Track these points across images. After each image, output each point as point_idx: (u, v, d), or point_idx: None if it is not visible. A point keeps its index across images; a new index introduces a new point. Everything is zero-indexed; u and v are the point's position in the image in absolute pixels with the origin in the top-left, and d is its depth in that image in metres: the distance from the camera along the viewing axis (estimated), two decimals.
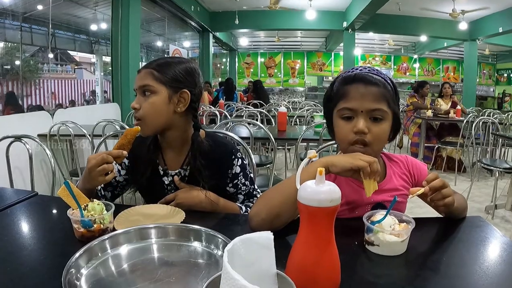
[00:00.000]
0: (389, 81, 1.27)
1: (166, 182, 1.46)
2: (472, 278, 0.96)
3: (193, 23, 10.37)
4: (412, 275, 1.01)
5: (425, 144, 5.99)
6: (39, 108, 6.39)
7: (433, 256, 1.09)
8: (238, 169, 1.49)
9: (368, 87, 1.20)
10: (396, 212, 1.14)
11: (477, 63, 12.55)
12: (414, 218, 1.18)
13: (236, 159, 1.49)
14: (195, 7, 9.40)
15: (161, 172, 1.46)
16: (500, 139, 5.22)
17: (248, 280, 0.52)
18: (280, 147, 5.15)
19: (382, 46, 15.19)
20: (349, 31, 10.89)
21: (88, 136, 3.45)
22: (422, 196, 1.19)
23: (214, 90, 9.49)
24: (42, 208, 1.40)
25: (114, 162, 1.26)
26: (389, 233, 1.06)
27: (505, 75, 16.53)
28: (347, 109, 1.22)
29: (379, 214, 1.11)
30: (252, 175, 1.57)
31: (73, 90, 9.63)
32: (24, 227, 1.21)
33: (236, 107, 6.43)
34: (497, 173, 4.50)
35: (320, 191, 0.70)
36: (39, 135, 3.53)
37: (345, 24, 10.73)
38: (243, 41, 14.75)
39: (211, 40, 11.72)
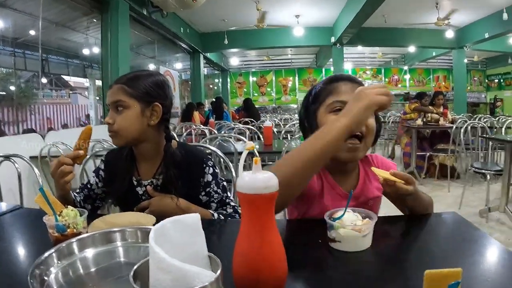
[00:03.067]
0: None
1: (140, 192, 1.48)
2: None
3: (183, 45, 10.47)
4: (378, 270, 1.01)
5: (417, 153, 5.98)
6: (31, 131, 6.42)
7: (400, 250, 1.09)
8: (209, 177, 1.50)
9: (355, 84, 1.22)
10: (360, 209, 1.13)
11: (466, 70, 12.66)
12: (381, 217, 1.20)
13: (208, 168, 1.50)
14: (184, 29, 9.50)
15: (135, 183, 1.48)
16: (491, 143, 5.22)
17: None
18: (270, 162, 5.15)
19: (372, 59, 15.37)
20: (338, 46, 11.02)
21: None
22: (388, 194, 1.19)
23: (205, 109, 9.54)
24: (24, 217, 1.43)
25: (84, 169, 1.30)
26: (350, 228, 1.05)
27: (496, 80, 16.66)
28: (338, 102, 1.22)
29: (341, 211, 1.11)
30: (224, 183, 1.57)
31: (68, 115, 9.71)
32: (5, 234, 1.25)
33: (227, 125, 6.45)
34: (488, 176, 4.50)
35: (256, 179, 0.71)
36: (31, 157, 3.55)
37: (333, 39, 10.86)
38: (234, 61, 14.89)
39: (202, 61, 11.81)
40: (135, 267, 0.60)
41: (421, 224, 1.25)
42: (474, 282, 0.84)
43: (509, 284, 0.83)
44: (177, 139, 1.50)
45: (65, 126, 8.99)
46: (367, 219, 1.10)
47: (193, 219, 0.64)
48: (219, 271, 0.61)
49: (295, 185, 1.05)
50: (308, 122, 1.33)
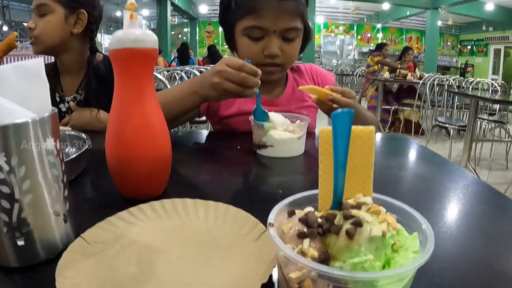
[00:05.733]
0: None
1: (63, 110, 1.41)
2: (381, 180, 0.79)
3: None
4: (314, 176, 0.84)
5: (383, 107, 5.88)
6: None
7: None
8: None
9: (283, 2, 1.03)
10: (287, 113, 0.98)
11: (440, 34, 12.61)
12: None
13: None
14: None
15: (58, 99, 1.41)
16: (457, 100, 5.17)
17: None
18: None
19: (345, 14, 15.05)
20: None
21: None
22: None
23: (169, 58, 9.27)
24: None
25: None
26: (283, 129, 0.87)
27: (468, 46, 16.77)
28: (256, 28, 1.05)
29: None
30: None
31: None
32: None
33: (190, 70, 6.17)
34: (451, 131, 4.46)
35: (125, 32, 0.58)
36: None
37: None
38: (203, 9, 14.21)
39: (169, 8, 11.30)
40: None
41: None
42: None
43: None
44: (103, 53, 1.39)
45: None
46: (298, 120, 0.93)
47: (36, 64, 0.48)
48: (47, 114, 0.45)
49: (171, 114, 0.95)
50: (225, 30, 1.18)
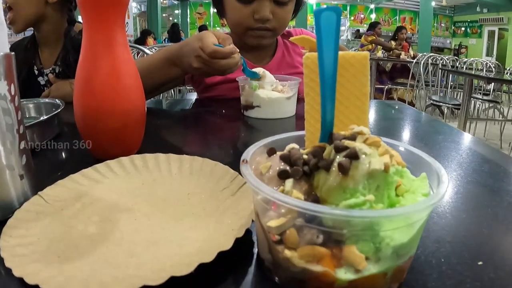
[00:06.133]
0: None
1: (42, 83, 1.37)
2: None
3: None
4: None
5: (376, 86, 5.80)
6: None
7: None
8: None
9: None
10: (278, 75, 0.91)
11: (433, 15, 12.47)
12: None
13: None
14: None
15: (36, 72, 1.37)
16: (450, 78, 5.10)
17: None
18: None
19: None
20: None
21: None
22: None
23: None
24: None
25: None
26: (271, 88, 0.80)
27: (462, 28, 16.64)
28: None
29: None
30: None
31: None
32: None
33: None
34: (445, 110, 4.40)
35: None
36: None
37: None
38: None
39: None
40: None
41: None
42: None
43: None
44: None
45: None
46: (288, 81, 0.86)
47: None
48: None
49: (148, 83, 0.86)
50: None
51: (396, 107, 1.08)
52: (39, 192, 0.43)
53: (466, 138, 0.74)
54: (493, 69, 5.19)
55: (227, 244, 0.32)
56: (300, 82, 1.13)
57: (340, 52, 0.32)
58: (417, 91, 5.55)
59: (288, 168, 0.29)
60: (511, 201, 0.48)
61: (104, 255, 0.34)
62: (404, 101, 5.65)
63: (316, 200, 0.28)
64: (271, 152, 0.32)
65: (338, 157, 0.27)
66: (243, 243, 0.33)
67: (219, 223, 0.38)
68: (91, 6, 0.51)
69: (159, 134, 0.74)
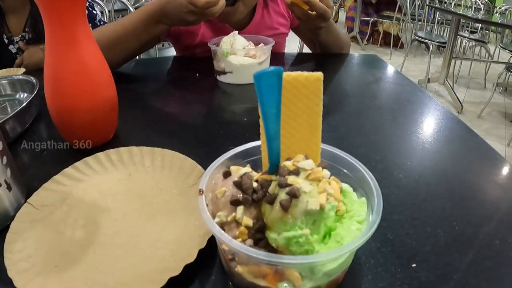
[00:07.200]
0: None
1: (14, 51, 1.35)
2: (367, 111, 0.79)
3: None
4: None
5: (361, 18, 5.68)
6: None
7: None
8: None
9: None
10: (252, 35, 0.90)
11: None
12: (289, 53, 1.01)
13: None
14: None
15: (6, 41, 1.35)
16: (438, 15, 5.02)
17: None
18: None
19: None
20: None
21: None
22: (297, 28, 0.93)
23: None
24: None
25: None
26: (243, 54, 0.80)
27: None
28: None
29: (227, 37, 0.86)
30: None
31: None
32: None
33: None
34: (431, 46, 4.36)
35: None
36: None
37: None
38: None
39: None
40: None
41: (338, 62, 1.03)
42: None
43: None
44: None
45: None
46: (261, 44, 0.86)
47: None
48: None
49: (133, 43, 0.91)
50: None
51: (375, 63, 1.08)
52: (28, 200, 0.46)
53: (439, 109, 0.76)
54: (482, 7, 5.09)
55: (192, 256, 0.37)
56: (281, 35, 1.12)
57: (294, 73, 0.34)
58: (404, 24, 5.46)
59: (239, 195, 0.32)
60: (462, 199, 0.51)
61: (93, 260, 0.39)
62: (389, 34, 5.57)
63: (263, 226, 0.32)
64: (226, 174, 0.35)
65: (281, 193, 0.31)
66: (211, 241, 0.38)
67: (188, 224, 0.43)
68: (48, 2, 0.50)
69: (135, 104, 0.75)
